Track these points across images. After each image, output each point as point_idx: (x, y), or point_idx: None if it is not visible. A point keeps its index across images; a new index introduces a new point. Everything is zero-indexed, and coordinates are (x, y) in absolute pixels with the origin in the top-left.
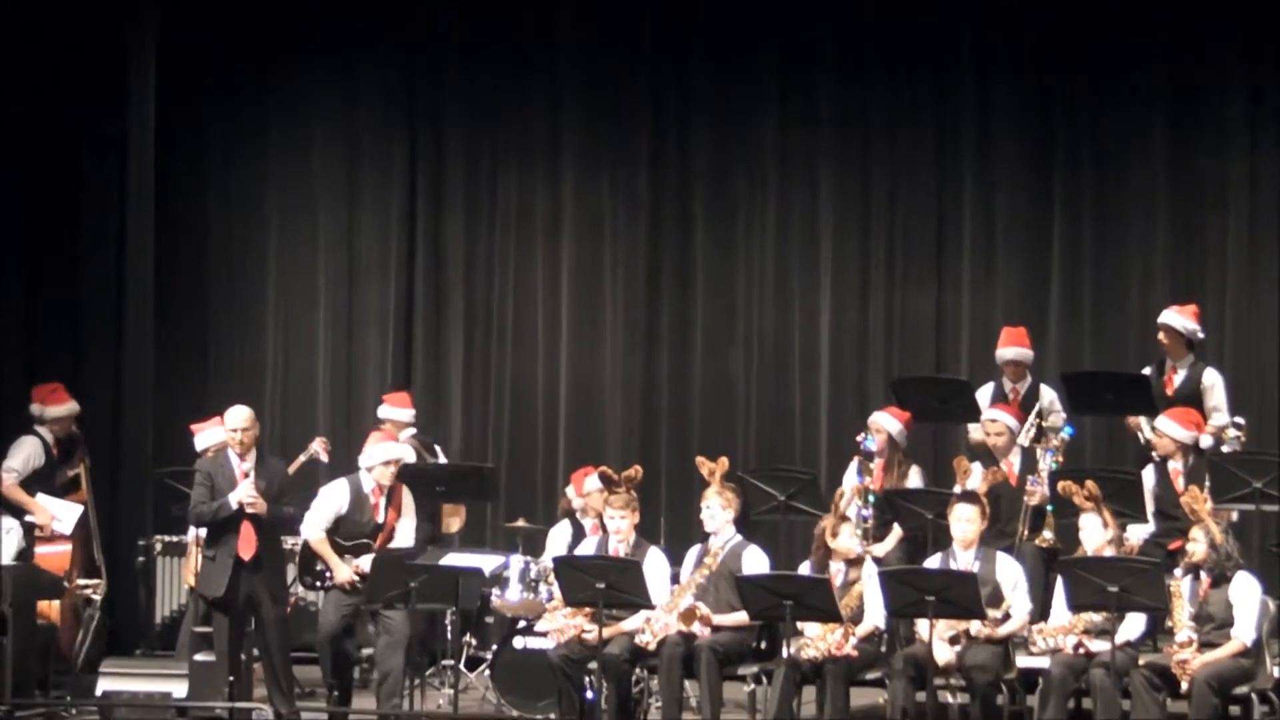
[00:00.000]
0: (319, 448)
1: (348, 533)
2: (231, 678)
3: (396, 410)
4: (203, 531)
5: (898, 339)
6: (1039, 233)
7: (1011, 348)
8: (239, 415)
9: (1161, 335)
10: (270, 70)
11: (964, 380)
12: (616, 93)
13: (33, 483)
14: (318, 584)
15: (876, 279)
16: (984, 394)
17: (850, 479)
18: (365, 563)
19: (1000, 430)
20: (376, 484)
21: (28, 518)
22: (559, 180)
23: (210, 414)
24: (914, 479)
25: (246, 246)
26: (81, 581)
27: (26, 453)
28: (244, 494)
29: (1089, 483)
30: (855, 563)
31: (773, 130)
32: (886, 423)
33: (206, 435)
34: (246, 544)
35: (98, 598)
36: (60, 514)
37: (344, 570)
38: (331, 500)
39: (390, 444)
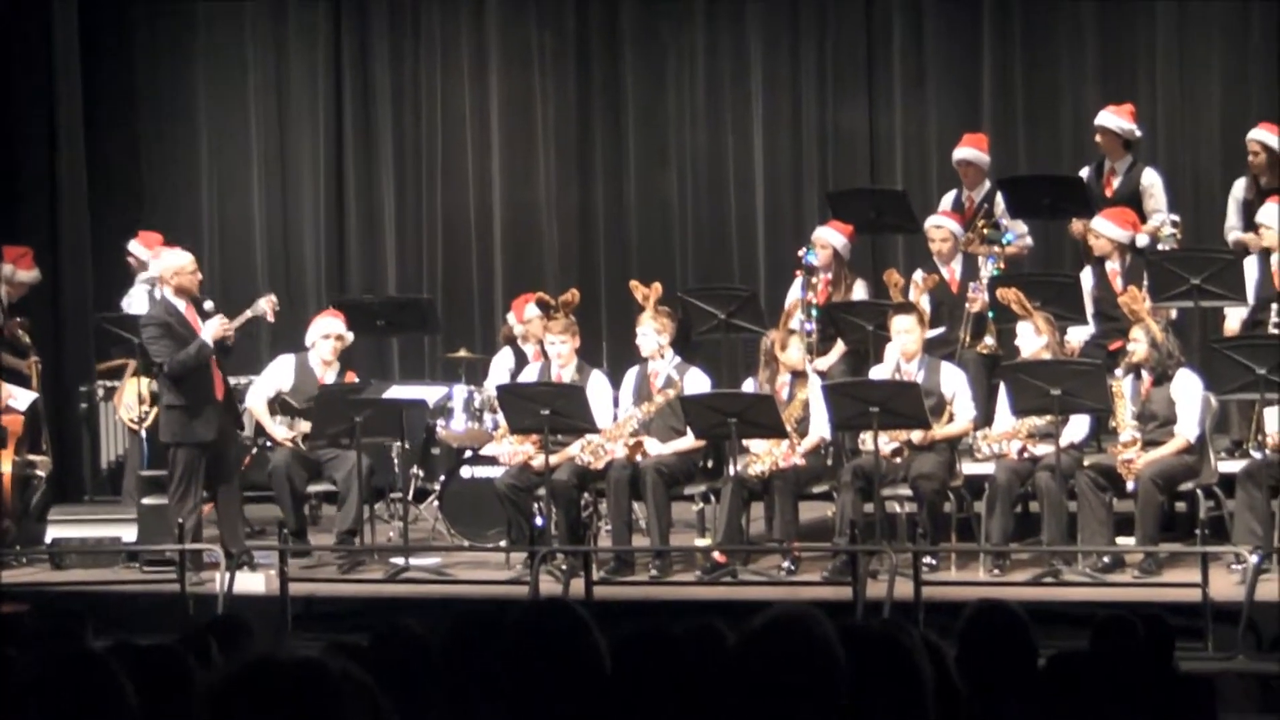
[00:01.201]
0: (266, 306)
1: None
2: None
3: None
4: (145, 381)
5: (831, 154)
6: (969, 41)
7: (965, 148)
8: (182, 258)
9: (1098, 136)
10: None
11: (900, 191)
12: None
13: None
14: (268, 444)
15: (808, 96)
16: (946, 201)
17: (795, 295)
18: (306, 427)
19: (945, 236)
20: (321, 359)
21: None
22: (484, 13)
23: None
24: (859, 292)
25: (176, 96)
26: (31, 457)
27: None
28: (216, 327)
29: (1013, 291)
30: (800, 376)
31: None
32: (831, 237)
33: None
34: (219, 384)
35: (43, 474)
36: (16, 394)
37: (281, 430)
38: (275, 375)
39: (331, 319)
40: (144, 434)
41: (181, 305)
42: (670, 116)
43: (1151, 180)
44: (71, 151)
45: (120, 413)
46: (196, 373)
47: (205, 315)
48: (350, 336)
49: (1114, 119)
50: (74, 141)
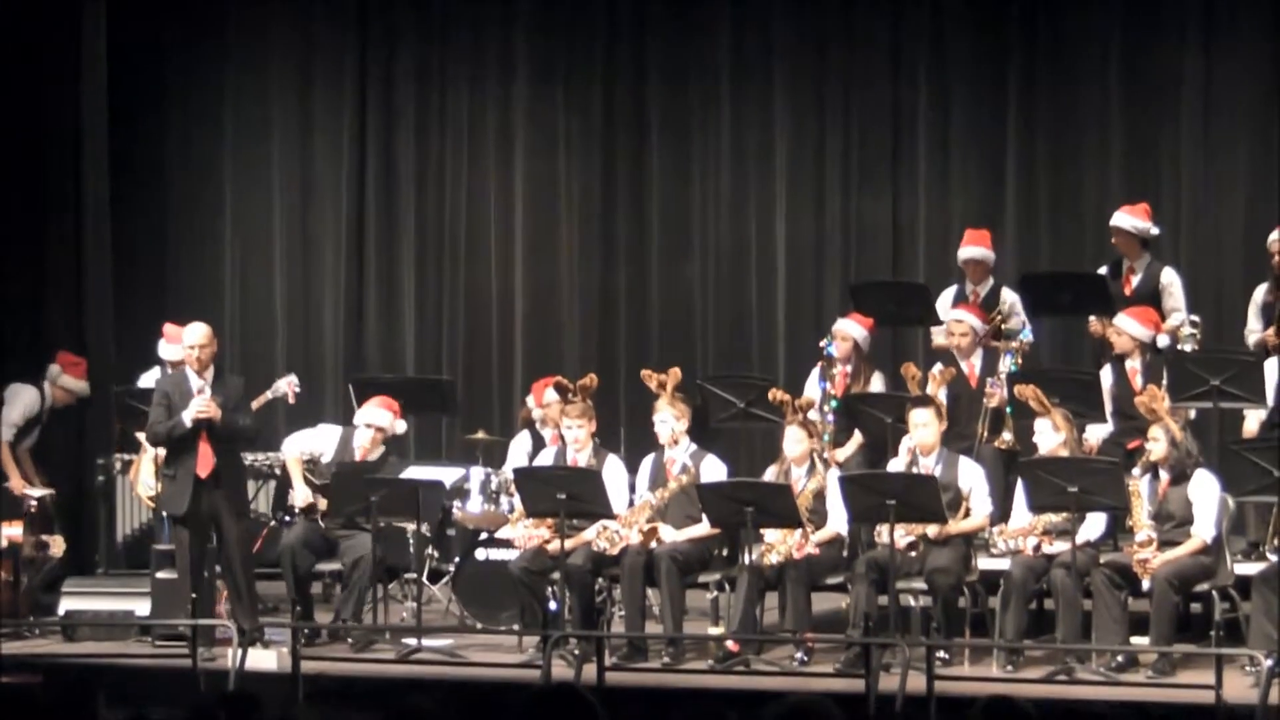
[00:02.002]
0: (286, 388)
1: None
2: (195, 595)
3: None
4: (162, 450)
5: (854, 246)
6: (994, 137)
7: (972, 247)
8: (196, 332)
9: (1114, 238)
10: None
11: (921, 284)
12: (569, 6)
13: (21, 437)
14: (286, 518)
15: (832, 186)
16: (946, 296)
17: (813, 385)
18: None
19: (965, 330)
20: (360, 445)
21: (5, 484)
22: (511, 96)
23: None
24: (877, 385)
25: (202, 168)
26: (45, 537)
27: (25, 404)
28: (197, 407)
29: (1031, 388)
30: (812, 467)
31: (726, 42)
32: (851, 329)
33: (173, 348)
34: (204, 462)
35: (56, 553)
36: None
37: (304, 492)
38: (316, 440)
39: (379, 409)
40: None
41: (194, 377)
42: (694, 202)
43: (1170, 279)
44: (97, 224)
45: (138, 489)
46: (179, 446)
47: (224, 390)
48: (400, 427)
49: (1130, 219)
50: (100, 214)
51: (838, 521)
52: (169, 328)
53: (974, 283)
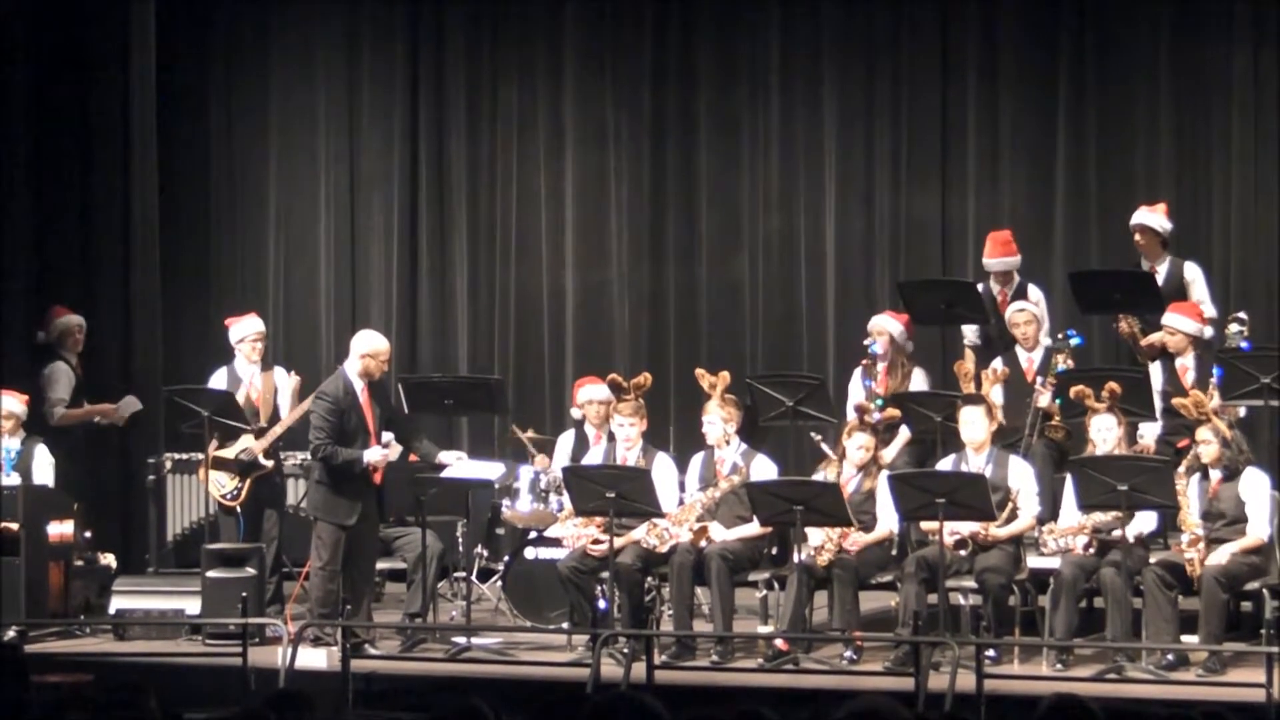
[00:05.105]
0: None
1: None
2: (348, 604)
3: None
4: (220, 450)
5: (903, 243)
6: (1043, 135)
7: (998, 259)
8: (381, 342)
9: (1138, 237)
10: None
11: (970, 283)
12: (618, 4)
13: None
14: None
15: (881, 183)
16: None
17: (856, 386)
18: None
19: (1029, 318)
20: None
21: (98, 419)
22: (561, 91)
23: (216, 333)
24: (917, 381)
25: (248, 165)
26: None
27: (66, 377)
28: (378, 456)
29: (1111, 384)
30: (865, 468)
31: (776, 38)
32: (888, 325)
33: (242, 325)
34: (379, 473)
35: (109, 564)
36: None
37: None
38: None
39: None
40: (239, 509)
41: (359, 387)
42: (743, 199)
43: (1194, 274)
44: (146, 223)
45: (211, 489)
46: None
47: (385, 413)
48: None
49: (1154, 218)
50: (149, 214)
51: (888, 520)
52: (230, 320)
53: (1001, 285)
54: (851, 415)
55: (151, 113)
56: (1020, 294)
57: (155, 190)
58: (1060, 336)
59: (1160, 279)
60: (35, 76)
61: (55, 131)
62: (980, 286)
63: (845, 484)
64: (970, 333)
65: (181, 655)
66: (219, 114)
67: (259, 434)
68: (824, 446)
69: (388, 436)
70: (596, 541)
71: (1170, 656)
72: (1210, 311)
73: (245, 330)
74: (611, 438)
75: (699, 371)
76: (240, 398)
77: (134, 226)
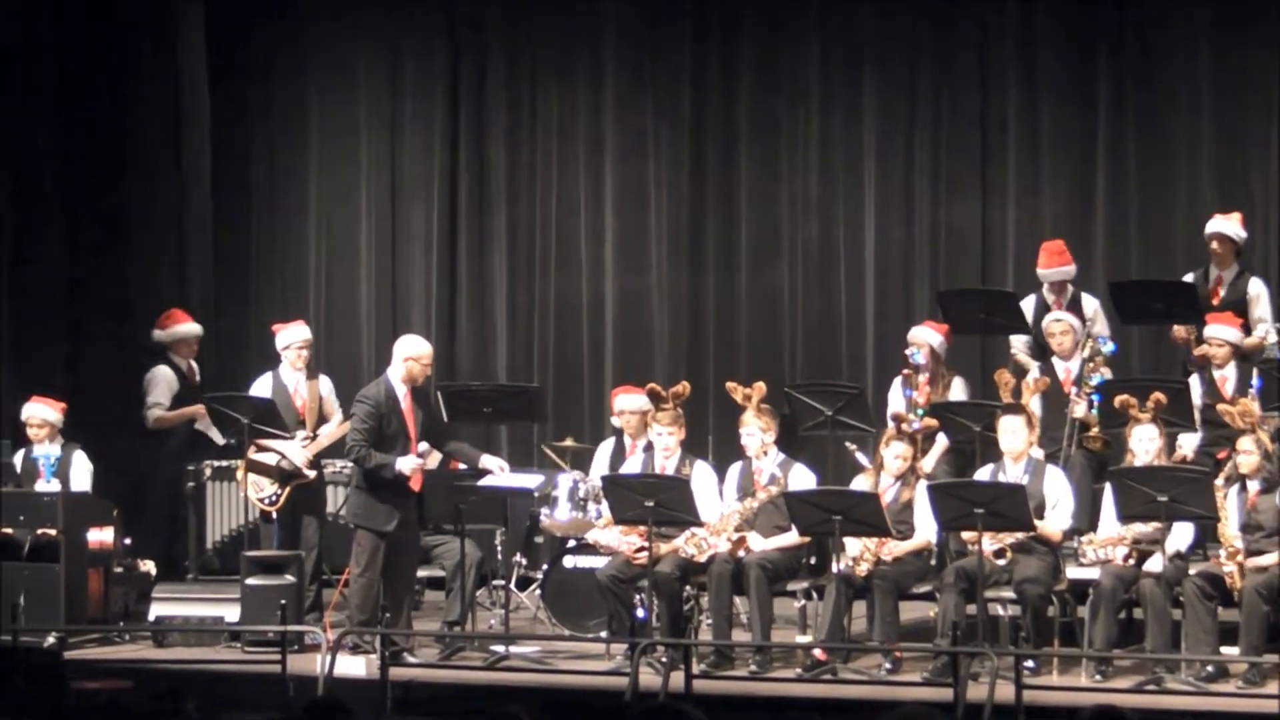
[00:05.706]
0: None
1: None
2: (388, 612)
3: None
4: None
5: (943, 251)
6: (1083, 144)
7: (1054, 269)
8: (424, 346)
9: (1214, 244)
10: None
11: (1010, 292)
12: (658, 10)
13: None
14: None
15: (921, 192)
16: (1025, 306)
17: (896, 396)
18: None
19: (1065, 329)
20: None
21: (197, 425)
22: (601, 100)
23: (257, 339)
24: (957, 390)
25: (290, 169)
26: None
27: (166, 381)
28: (413, 466)
29: (1157, 394)
30: (903, 477)
31: (816, 46)
32: (927, 335)
33: (289, 333)
34: (417, 478)
35: (148, 569)
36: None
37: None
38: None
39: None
40: (275, 515)
41: (401, 392)
42: (783, 208)
43: (1259, 290)
44: (198, 231)
45: (249, 492)
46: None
47: (428, 421)
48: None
49: (1231, 226)
50: (202, 224)
51: (927, 530)
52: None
53: (1055, 295)
54: (890, 424)
55: (204, 115)
56: (1074, 303)
57: (209, 200)
58: (1092, 343)
59: (1224, 289)
60: (80, 84)
61: (100, 134)
62: (1033, 296)
63: (882, 493)
64: (1019, 344)
65: (220, 662)
66: (260, 123)
67: (305, 442)
68: (859, 456)
69: (424, 447)
70: (641, 549)
71: (1210, 668)
72: (1264, 330)
73: (292, 337)
74: (649, 447)
75: (731, 385)
76: (282, 405)
77: (185, 228)
